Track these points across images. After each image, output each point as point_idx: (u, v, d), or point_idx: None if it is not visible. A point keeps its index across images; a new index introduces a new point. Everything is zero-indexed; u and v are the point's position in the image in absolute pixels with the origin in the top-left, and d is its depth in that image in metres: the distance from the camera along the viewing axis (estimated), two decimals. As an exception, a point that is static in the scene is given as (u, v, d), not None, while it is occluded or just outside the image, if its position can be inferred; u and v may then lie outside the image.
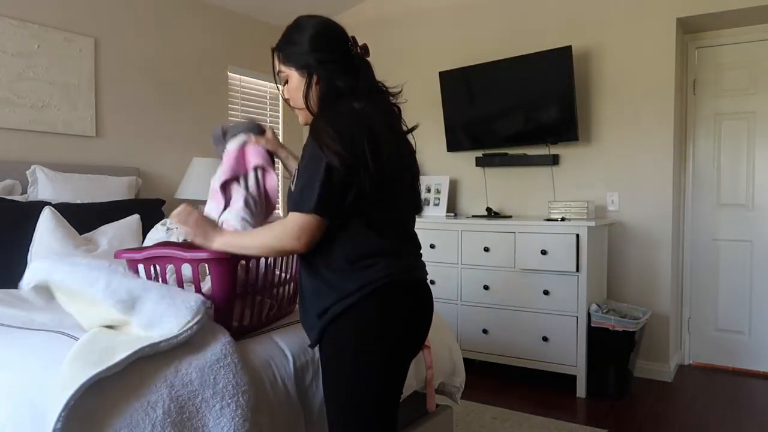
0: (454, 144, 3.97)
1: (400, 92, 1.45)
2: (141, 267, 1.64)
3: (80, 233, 2.58)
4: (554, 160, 3.67)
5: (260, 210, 1.65)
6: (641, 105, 3.44)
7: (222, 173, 1.63)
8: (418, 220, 3.98)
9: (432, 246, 3.56)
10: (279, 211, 1.38)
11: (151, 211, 3.02)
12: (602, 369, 3.10)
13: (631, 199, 3.50)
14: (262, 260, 1.65)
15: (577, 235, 3.10)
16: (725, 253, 3.57)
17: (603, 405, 3.00)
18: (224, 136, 1.68)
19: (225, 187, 1.64)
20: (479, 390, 3.21)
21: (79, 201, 2.84)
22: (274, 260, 1.72)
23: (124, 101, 3.46)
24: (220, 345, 1.41)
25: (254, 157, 1.64)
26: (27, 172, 2.82)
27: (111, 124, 3.39)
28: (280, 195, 1.46)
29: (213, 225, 1.47)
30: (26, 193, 2.81)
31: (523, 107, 3.63)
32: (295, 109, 1.45)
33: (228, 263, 1.50)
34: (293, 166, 1.67)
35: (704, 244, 3.64)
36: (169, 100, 3.70)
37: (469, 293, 3.47)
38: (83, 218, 2.67)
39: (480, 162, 3.90)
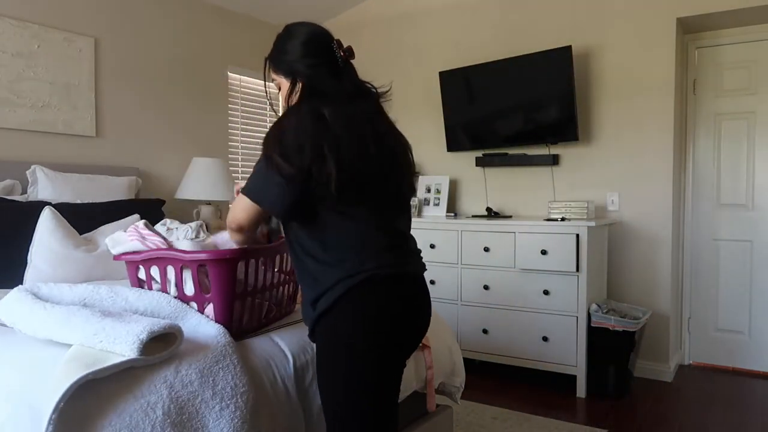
0: (454, 144, 3.97)
1: (387, 91, 1.47)
2: (141, 268, 1.64)
3: (80, 233, 2.58)
4: (554, 160, 3.67)
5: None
6: (641, 105, 3.44)
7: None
8: (418, 220, 3.98)
9: (432, 246, 3.56)
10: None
11: (151, 211, 3.02)
12: (602, 369, 3.10)
13: (631, 199, 3.50)
14: (261, 261, 1.65)
15: (577, 235, 3.10)
16: (725, 253, 3.57)
17: (603, 405, 3.00)
18: None
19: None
20: (479, 390, 3.21)
21: (79, 201, 2.84)
22: (274, 260, 1.72)
23: (124, 101, 3.46)
24: (220, 346, 1.41)
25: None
26: (27, 172, 2.82)
27: (111, 124, 3.39)
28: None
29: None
30: (26, 193, 2.81)
31: (523, 107, 3.63)
32: None
33: (227, 263, 1.50)
34: None
35: (704, 244, 3.64)
36: (168, 100, 3.70)
37: (469, 293, 3.48)
38: (83, 218, 2.67)
39: (480, 162, 3.90)
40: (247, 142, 4.23)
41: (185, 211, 3.64)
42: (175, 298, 1.58)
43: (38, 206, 2.54)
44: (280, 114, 1.40)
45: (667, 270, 3.40)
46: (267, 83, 1.57)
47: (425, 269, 1.47)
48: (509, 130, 3.71)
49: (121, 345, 1.24)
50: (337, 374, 1.30)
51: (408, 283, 1.38)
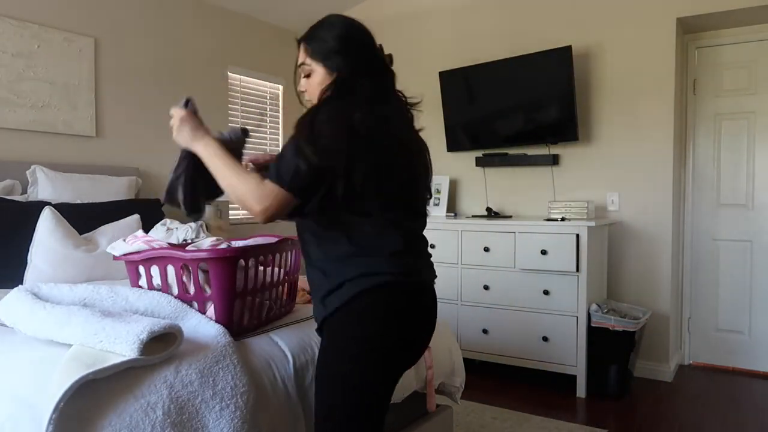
0: (454, 144, 3.97)
1: (418, 103, 1.49)
2: (141, 268, 1.64)
3: (80, 233, 2.58)
4: (554, 160, 3.67)
5: None
6: (641, 105, 3.44)
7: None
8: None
9: (432, 246, 3.56)
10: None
11: (151, 211, 3.02)
12: (602, 369, 3.10)
13: (631, 199, 3.50)
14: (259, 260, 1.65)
15: (577, 235, 3.10)
16: (725, 253, 3.57)
17: (603, 405, 3.00)
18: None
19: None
20: (479, 390, 3.21)
21: (79, 201, 2.84)
22: (274, 258, 1.72)
23: (124, 101, 3.46)
24: (220, 346, 1.41)
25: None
26: (27, 172, 2.82)
27: (111, 124, 3.39)
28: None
29: (204, 128, 1.47)
30: (26, 193, 2.81)
31: (523, 107, 3.63)
32: (306, 103, 1.44)
33: (227, 262, 1.50)
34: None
35: (704, 244, 3.64)
36: (169, 101, 3.70)
37: (469, 293, 3.47)
38: (83, 218, 2.67)
39: (480, 162, 3.90)
40: (247, 142, 4.22)
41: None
42: (176, 297, 1.58)
43: (38, 206, 2.54)
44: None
45: (667, 270, 3.40)
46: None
47: (436, 277, 1.45)
48: (509, 130, 3.71)
49: (121, 345, 1.24)
50: (339, 373, 1.28)
51: (424, 290, 1.37)
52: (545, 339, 3.21)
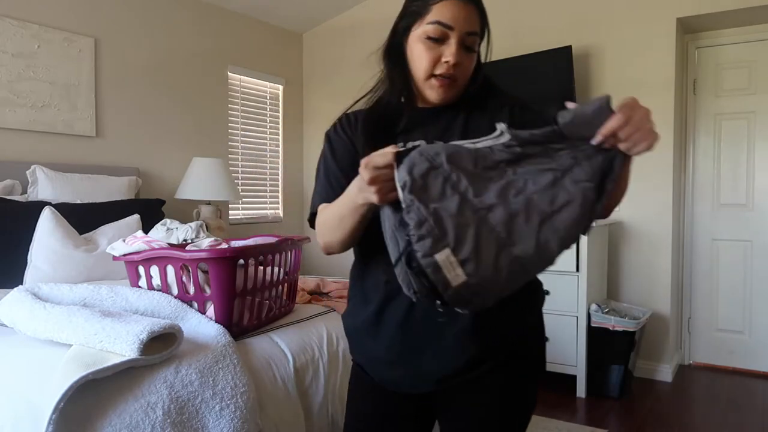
0: (454, 144, 3.96)
1: None
2: (141, 268, 1.64)
3: (80, 233, 2.58)
4: (554, 160, 3.66)
5: None
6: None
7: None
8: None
9: (432, 246, 3.55)
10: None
11: (151, 211, 3.03)
12: (602, 369, 3.10)
13: (631, 199, 3.50)
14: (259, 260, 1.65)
15: (577, 235, 3.10)
16: (725, 253, 3.57)
17: (603, 405, 3.00)
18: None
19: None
20: (479, 390, 3.20)
21: (79, 201, 2.84)
22: (272, 258, 1.72)
23: (124, 101, 3.46)
24: (220, 346, 1.41)
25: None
26: (27, 172, 2.82)
27: (111, 124, 3.39)
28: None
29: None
30: (26, 193, 2.81)
31: (523, 107, 3.62)
32: (450, 81, 1.13)
33: (227, 262, 1.50)
34: None
35: (704, 244, 3.64)
36: (169, 100, 3.70)
37: (469, 293, 3.47)
38: (83, 218, 2.67)
39: (480, 162, 3.89)
40: (247, 142, 4.23)
41: (185, 211, 3.64)
42: (175, 297, 1.58)
43: (38, 206, 2.54)
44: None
45: (667, 270, 3.40)
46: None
47: None
48: (509, 130, 3.71)
49: (121, 345, 1.24)
50: (534, 404, 1.19)
51: None
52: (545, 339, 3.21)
